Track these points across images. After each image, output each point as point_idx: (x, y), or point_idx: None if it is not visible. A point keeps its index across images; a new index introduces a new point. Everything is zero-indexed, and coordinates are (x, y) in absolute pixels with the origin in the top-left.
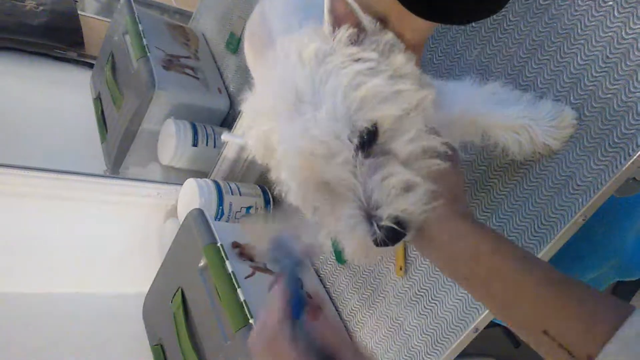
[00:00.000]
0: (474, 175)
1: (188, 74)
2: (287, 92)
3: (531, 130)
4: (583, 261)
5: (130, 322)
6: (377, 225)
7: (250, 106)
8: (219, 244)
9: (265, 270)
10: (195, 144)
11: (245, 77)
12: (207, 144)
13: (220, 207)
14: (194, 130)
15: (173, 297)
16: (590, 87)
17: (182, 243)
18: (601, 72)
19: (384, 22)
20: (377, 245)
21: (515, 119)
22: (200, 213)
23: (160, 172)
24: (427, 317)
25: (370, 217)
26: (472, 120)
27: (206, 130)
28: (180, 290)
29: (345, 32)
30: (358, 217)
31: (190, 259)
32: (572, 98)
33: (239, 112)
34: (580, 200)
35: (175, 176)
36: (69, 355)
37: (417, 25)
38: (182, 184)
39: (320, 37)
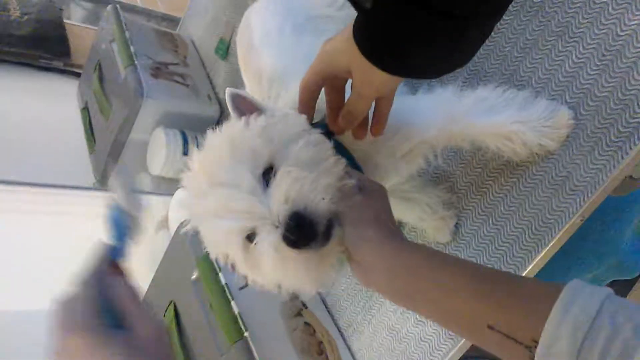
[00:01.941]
0: (469, 177)
1: (177, 81)
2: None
3: (523, 136)
4: (581, 261)
5: None
6: (279, 223)
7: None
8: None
9: None
10: (186, 153)
11: (235, 83)
12: None
13: None
14: (184, 139)
15: (165, 311)
16: (586, 86)
17: (174, 255)
18: (597, 70)
19: (349, 75)
20: (288, 244)
21: (503, 125)
22: None
23: (151, 182)
24: (424, 325)
25: (277, 225)
26: (456, 131)
27: (197, 139)
28: (172, 304)
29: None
30: (269, 234)
31: (183, 271)
32: (567, 97)
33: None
34: (578, 200)
35: (166, 186)
36: None
37: (381, 79)
38: (172, 195)
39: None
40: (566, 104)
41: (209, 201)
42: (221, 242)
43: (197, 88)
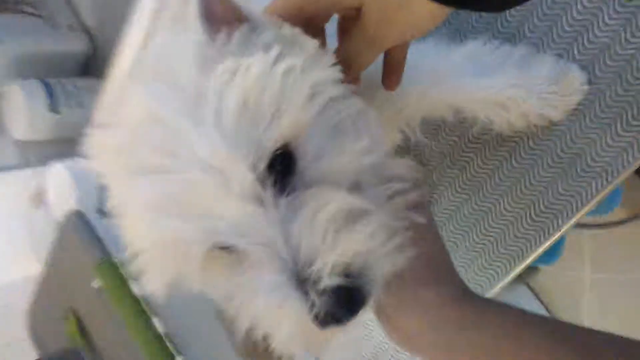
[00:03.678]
0: (441, 147)
1: (26, 12)
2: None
3: (523, 103)
4: None
5: None
6: (315, 290)
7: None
8: (115, 259)
9: None
10: (54, 109)
11: (109, 7)
12: (71, 106)
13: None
14: (48, 91)
15: (66, 321)
16: (603, 39)
17: (63, 257)
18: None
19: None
20: (322, 324)
21: (500, 90)
22: (79, 217)
23: (16, 148)
24: None
25: (302, 281)
26: (438, 98)
27: (66, 88)
28: (73, 313)
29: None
30: (284, 285)
31: (79, 277)
32: (575, 52)
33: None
34: (594, 184)
35: (34, 153)
36: None
37: (411, 19)
38: (46, 164)
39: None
40: (575, 62)
41: (159, 185)
42: (166, 249)
43: (54, 17)
